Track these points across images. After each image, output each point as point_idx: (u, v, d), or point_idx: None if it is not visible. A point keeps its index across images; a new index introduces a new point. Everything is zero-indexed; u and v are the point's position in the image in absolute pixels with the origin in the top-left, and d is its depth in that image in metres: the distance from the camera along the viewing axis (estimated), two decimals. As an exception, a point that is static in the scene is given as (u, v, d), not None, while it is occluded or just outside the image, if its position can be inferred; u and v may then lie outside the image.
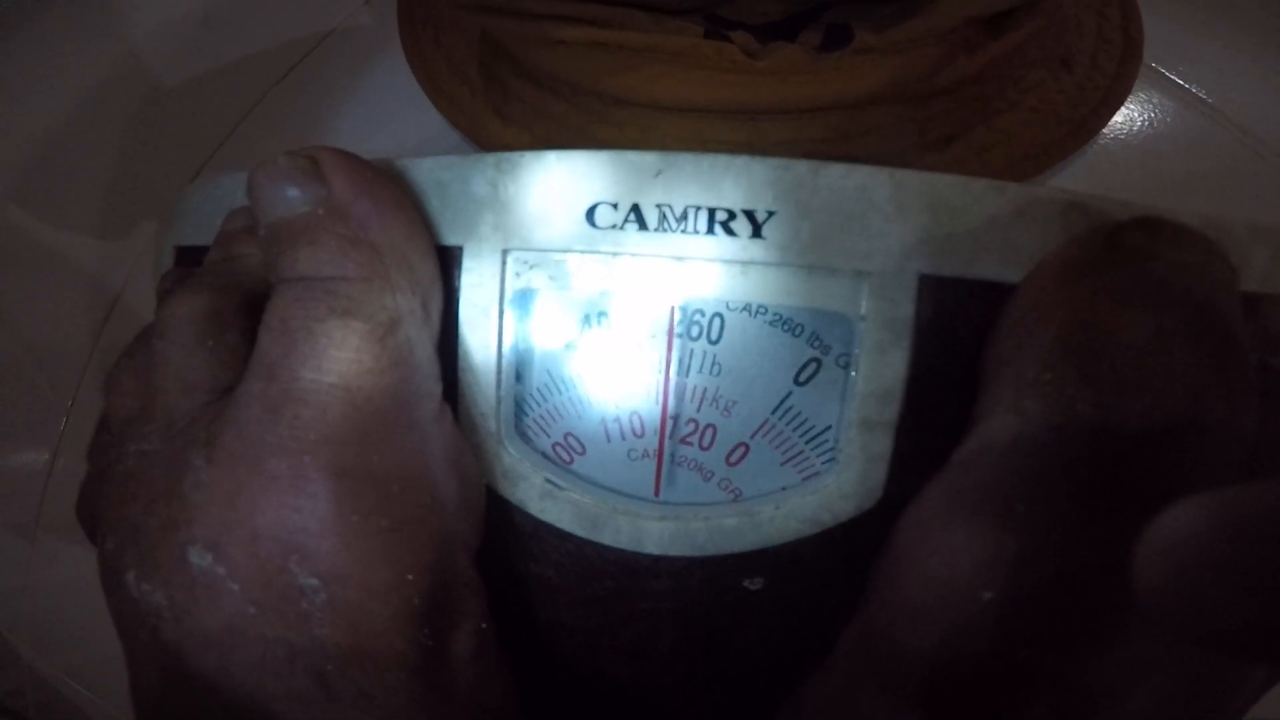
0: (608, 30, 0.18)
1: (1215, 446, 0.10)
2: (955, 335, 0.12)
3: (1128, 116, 0.24)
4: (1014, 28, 0.20)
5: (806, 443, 0.13)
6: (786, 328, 0.13)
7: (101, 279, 0.30)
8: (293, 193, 0.12)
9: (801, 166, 0.12)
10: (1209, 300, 0.10)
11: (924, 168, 0.20)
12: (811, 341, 0.13)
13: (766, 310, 0.13)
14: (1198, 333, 0.10)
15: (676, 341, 0.13)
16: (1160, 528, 0.07)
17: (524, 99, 0.21)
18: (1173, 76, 0.26)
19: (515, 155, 0.13)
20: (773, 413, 0.13)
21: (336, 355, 0.11)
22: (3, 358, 0.31)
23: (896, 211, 0.12)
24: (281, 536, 0.11)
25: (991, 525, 0.10)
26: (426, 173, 0.13)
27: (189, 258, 0.17)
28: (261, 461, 0.11)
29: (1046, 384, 0.10)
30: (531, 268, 0.13)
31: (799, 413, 0.13)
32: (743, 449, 0.13)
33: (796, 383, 0.13)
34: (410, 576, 0.12)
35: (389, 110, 0.26)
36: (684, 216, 0.12)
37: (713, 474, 0.14)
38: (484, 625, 0.14)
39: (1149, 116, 0.25)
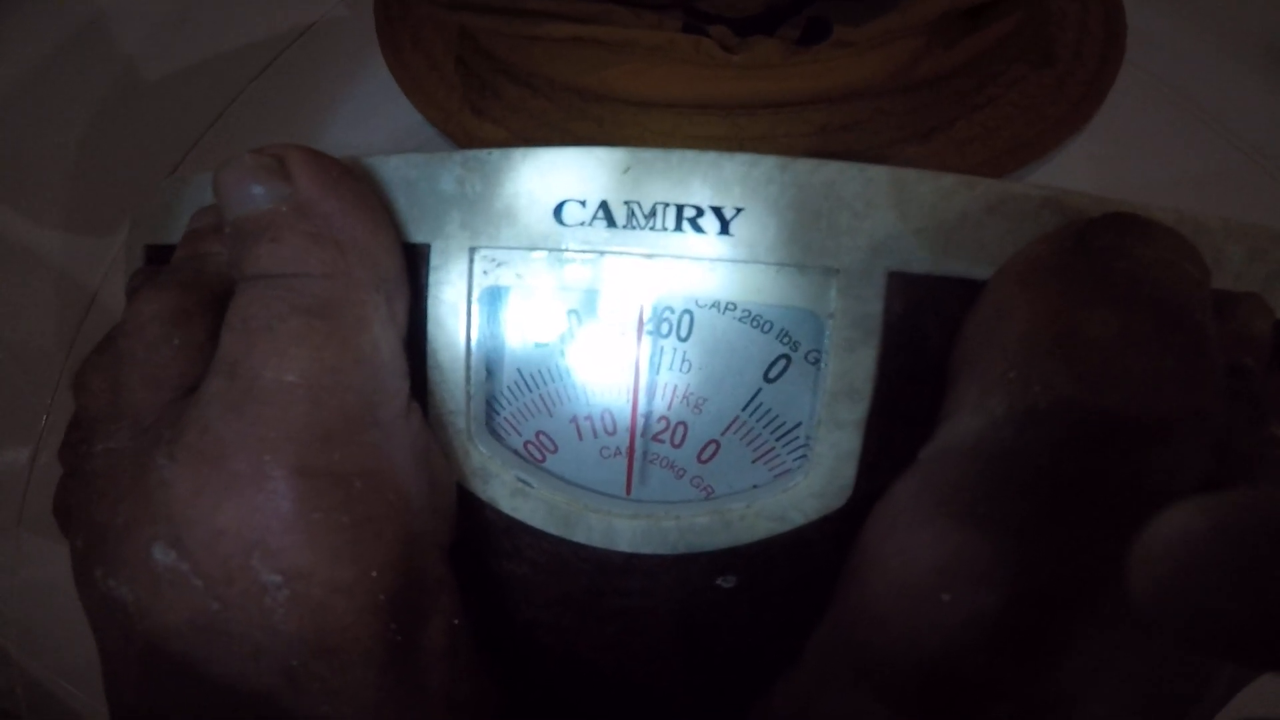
0: (586, 25, 0.18)
1: (1179, 446, 0.10)
2: (925, 332, 0.12)
3: (1110, 111, 0.24)
4: (994, 20, 0.20)
5: (777, 440, 0.13)
6: (755, 324, 0.13)
7: (77, 277, 0.30)
8: (257, 190, 0.12)
9: (769, 162, 0.12)
10: (1176, 299, 0.10)
11: (903, 161, 0.20)
12: (781, 338, 0.13)
13: (735, 307, 0.13)
14: (1163, 332, 0.10)
15: (647, 339, 0.13)
16: (1156, 530, 0.07)
17: (501, 95, 0.21)
18: (1155, 72, 0.25)
19: (482, 153, 0.13)
20: (743, 409, 0.13)
21: (298, 353, 0.11)
22: None
23: (865, 208, 0.12)
24: (244, 533, 0.11)
25: (953, 526, 0.10)
26: (394, 170, 0.13)
27: (160, 256, 0.17)
28: (224, 459, 0.11)
29: (1010, 383, 0.10)
30: (499, 265, 0.13)
31: (769, 410, 0.13)
32: (714, 446, 0.13)
33: (766, 379, 0.13)
34: (374, 573, 0.12)
35: (367, 105, 0.25)
36: (652, 213, 0.12)
37: (684, 471, 0.14)
38: (456, 621, 0.14)
39: (1132, 112, 0.24)
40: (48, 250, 0.30)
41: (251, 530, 0.11)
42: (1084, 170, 0.24)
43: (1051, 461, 0.09)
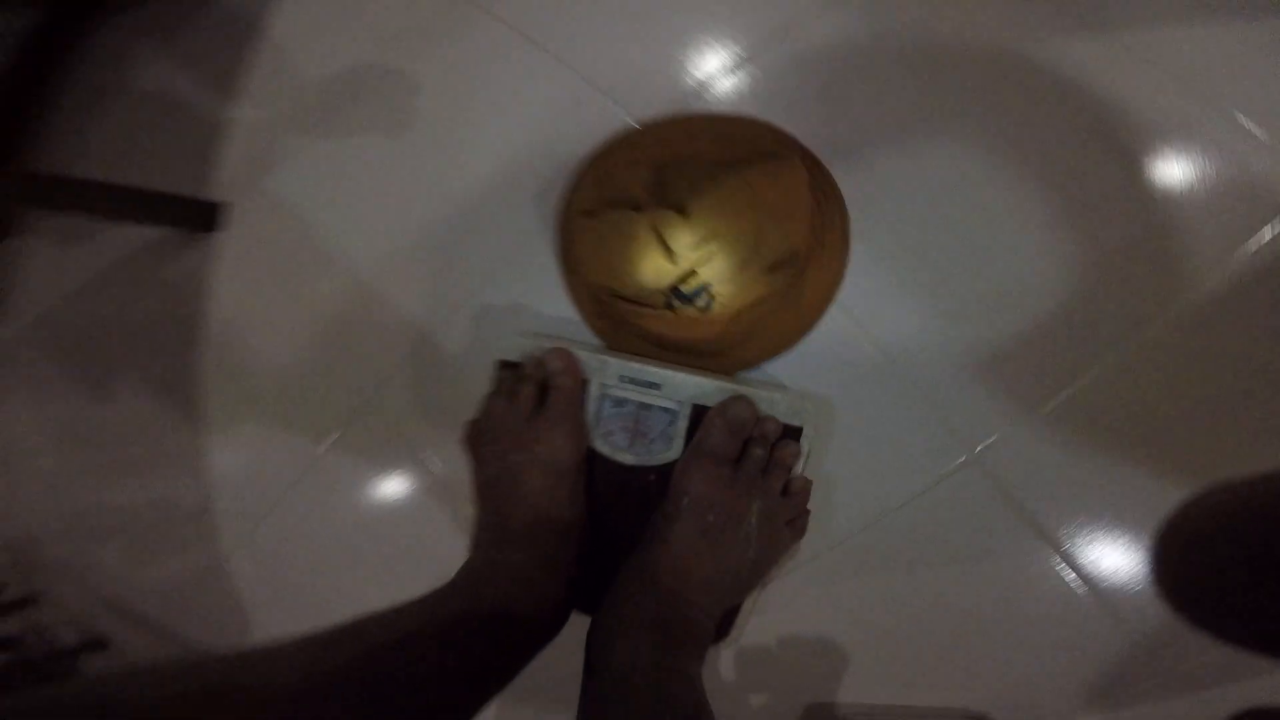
0: (631, 306, 0.57)
1: (723, 470, 0.50)
2: (700, 420, 0.52)
3: (828, 325, 0.62)
4: (774, 300, 0.59)
5: (669, 441, 0.53)
6: (663, 410, 0.53)
7: (416, 328, 0.69)
8: (556, 364, 0.53)
9: (668, 371, 0.52)
10: (741, 427, 0.50)
11: (729, 361, 0.60)
12: (667, 413, 0.53)
13: (656, 406, 0.53)
14: (729, 439, 0.50)
15: (638, 411, 0.54)
16: (1171, 530, 0.17)
17: (608, 313, 0.61)
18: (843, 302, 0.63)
19: (609, 361, 0.53)
20: (657, 434, 0.53)
21: (569, 414, 0.52)
22: (339, 367, 0.71)
23: (688, 391, 0.52)
24: (559, 454, 0.52)
25: (682, 472, 0.50)
26: (584, 359, 0.54)
27: (507, 366, 0.57)
28: (553, 433, 0.52)
29: (695, 442, 0.50)
30: (606, 389, 0.54)
31: (663, 433, 0.53)
32: (647, 439, 0.54)
33: (667, 424, 0.53)
34: (576, 464, 0.52)
35: (551, 296, 0.65)
36: (645, 382, 0.52)
37: (643, 446, 0.54)
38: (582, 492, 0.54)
39: (839, 331, 0.63)
40: (411, 314, 0.69)
41: (563, 454, 0.51)
42: (809, 359, 0.62)
43: (701, 459, 0.49)
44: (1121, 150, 0.55)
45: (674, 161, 0.57)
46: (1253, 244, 0.53)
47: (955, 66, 0.58)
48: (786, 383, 0.59)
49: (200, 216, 0.76)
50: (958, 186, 0.57)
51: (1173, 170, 0.55)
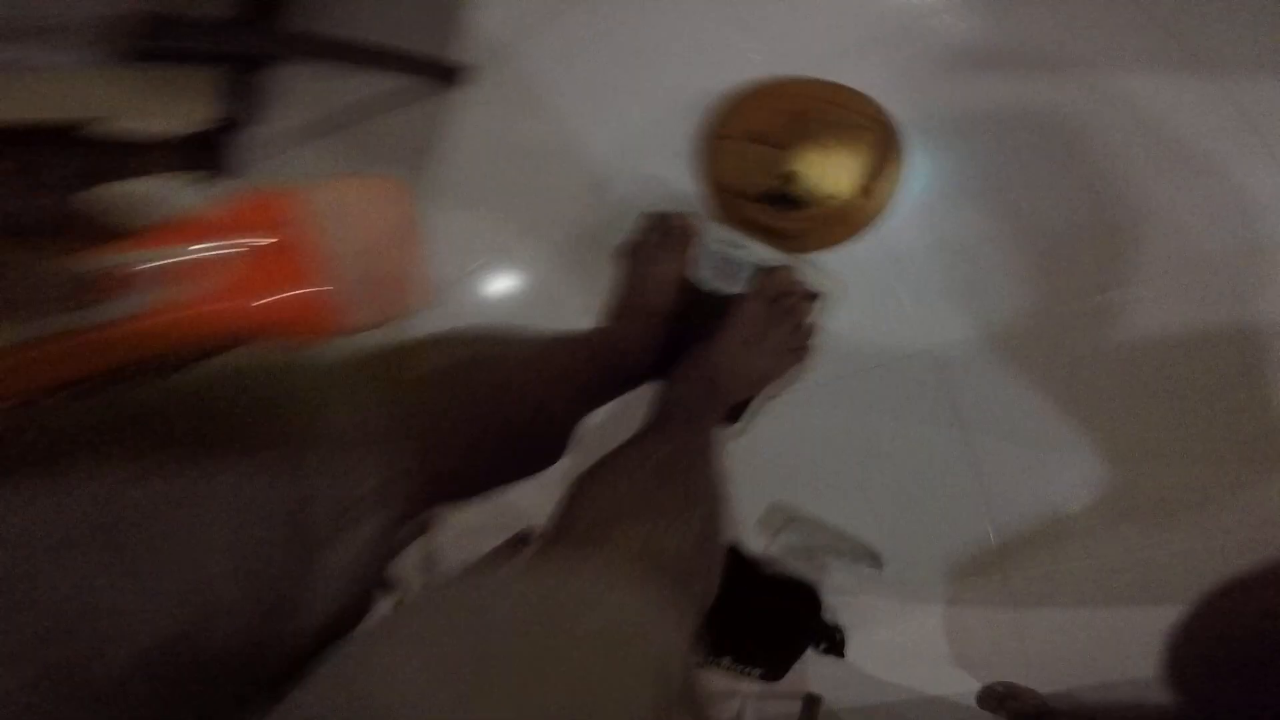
0: (738, 198, 0.89)
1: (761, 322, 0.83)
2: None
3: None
4: (829, 215, 0.90)
5: (738, 283, 0.86)
6: (740, 263, 0.86)
7: (590, 179, 1.02)
8: (682, 219, 0.86)
9: (750, 241, 0.85)
10: (797, 294, 0.83)
11: (792, 245, 0.92)
12: (742, 265, 0.86)
13: (736, 260, 0.86)
14: (768, 293, 0.82)
15: (724, 261, 0.87)
16: (1197, 619, 0.17)
17: (724, 204, 0.92)
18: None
19: (715, 227, 0.86)
20: (731, 276, 0.87)
21: (684, 248, 0.85)
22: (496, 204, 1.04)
23: (759, 254, 0.85)
24: (672, 269, 0.85)
25: (738, 302, 0.83)
26: (700, 222, 0.87)
27: (650, 215, 0.90)
28: (671, 258, 0.85)
29: (751, 287, 0.83)
30: (709, 243, 0.87)
31: (736, 277, 0.87)
32: (725, 278, 0.87)
33: (739, 272, 0.86)
34: (680, 281, 0.86)
35: (684, 176, 0.96)
36: (734, 244, 0.85)
37: (721, 281, 0.87)
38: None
39: (871, 244, 0.93)
40: (589, 170, 1.02)
41: (674, 273, 0.85)
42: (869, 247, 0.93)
43: (752, 296, 0.82)
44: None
45: (790, 112, 0.87)
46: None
47: (1046, 88, 0.86)
48: (824, 266, 0.91)
49: (442, 73, 1.08)
50: (998, 173, 0.86)
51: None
